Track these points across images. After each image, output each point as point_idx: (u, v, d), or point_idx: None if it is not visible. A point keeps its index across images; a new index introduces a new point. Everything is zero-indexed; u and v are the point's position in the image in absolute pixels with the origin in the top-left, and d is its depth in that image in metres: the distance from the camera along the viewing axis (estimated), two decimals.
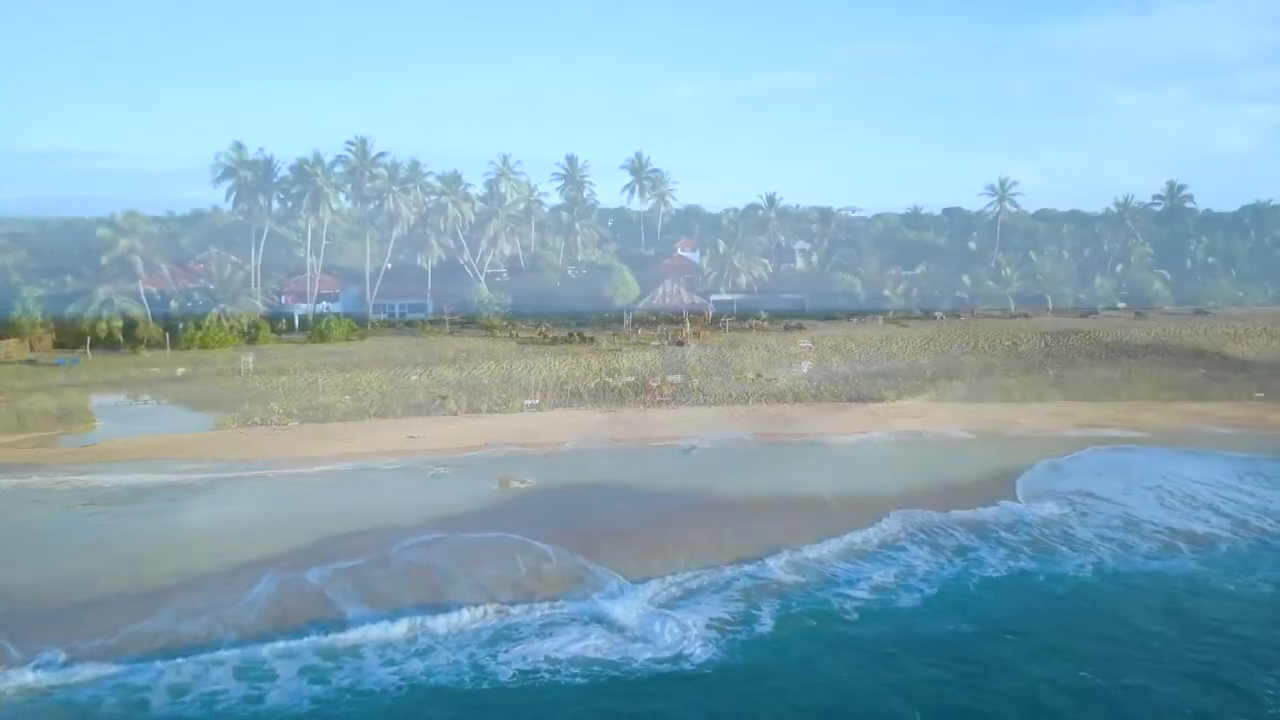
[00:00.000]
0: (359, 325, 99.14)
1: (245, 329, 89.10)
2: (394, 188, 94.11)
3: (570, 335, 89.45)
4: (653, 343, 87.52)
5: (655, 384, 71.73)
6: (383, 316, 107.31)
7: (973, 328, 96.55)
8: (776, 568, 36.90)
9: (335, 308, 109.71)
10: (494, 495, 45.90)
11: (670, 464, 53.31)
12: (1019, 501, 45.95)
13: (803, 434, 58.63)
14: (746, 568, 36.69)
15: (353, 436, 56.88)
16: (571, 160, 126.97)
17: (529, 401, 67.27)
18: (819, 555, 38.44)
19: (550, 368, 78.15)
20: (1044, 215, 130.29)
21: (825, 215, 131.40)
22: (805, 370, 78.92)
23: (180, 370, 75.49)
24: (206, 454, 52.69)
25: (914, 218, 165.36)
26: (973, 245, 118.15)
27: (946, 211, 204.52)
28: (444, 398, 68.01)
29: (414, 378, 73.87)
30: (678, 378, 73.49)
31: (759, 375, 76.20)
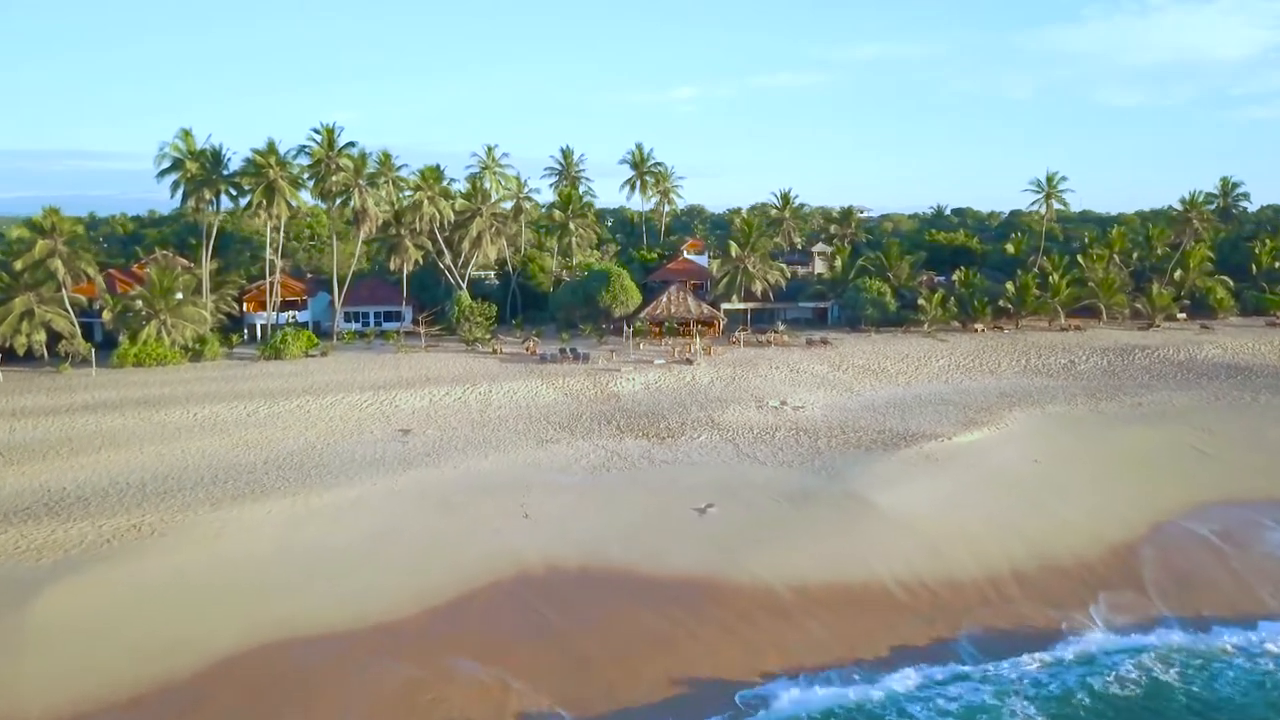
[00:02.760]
0: (321, 338, 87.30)
1: (189, 343, 77.22)
2: (360, 182, 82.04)
3: (562, 351, 77.56)
4: (657, 360, 75.57)
5: (664, 426, 59.85)
6: (354, 326, 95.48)
7: (1020, 342, 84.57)
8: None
9: (304, 316, 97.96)
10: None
11: (682, 529, 41.41)
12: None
13: (849, 489, 46.56)
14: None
15: None
16: (566, 153, 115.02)
17: (484, 465, 55.46)
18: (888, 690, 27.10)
19: (535, 393, 66.17)
20: (1086, 217, 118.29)
21: (846, 215, 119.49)
22: (839, 396, 66.94)
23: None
24: None
25: (937, 218, 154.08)
26: (1010, 248, 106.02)
27: (955, 212, 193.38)
28: (407, 431, 56.15)
29: (362, 408, 61.89)
30: (693, 415, 61.61)
31: (783, 403, 64.23)
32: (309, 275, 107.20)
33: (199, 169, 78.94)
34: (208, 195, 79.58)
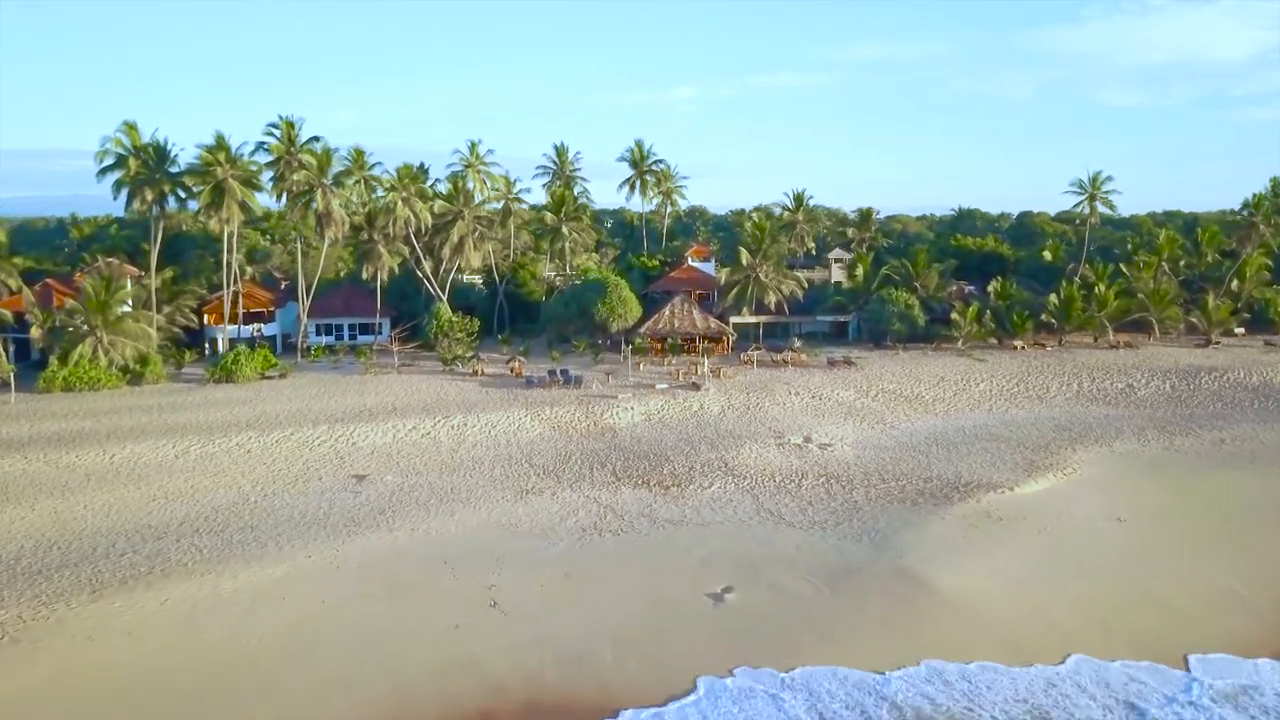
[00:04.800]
0: (290, 353, 78.16)
1: (129, 363, 67.94)
2: (324, 181, 72.72)
3: (551, 374, 68.27)
4: (659, 385, 66.29)
5: (668, 471, 50.68)
6: (326, 340, 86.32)
7: (1068, 362, 75.27)
8: None
9: (272, 329, 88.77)
10: None
11: (695, 625, 32.15)
12: None
13: (902, 565, 37.25)
14: None
15: None
16: (560, 150, 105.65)
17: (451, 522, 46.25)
18: None
19: (517, 427, 56.88)
20: (1125, 224, 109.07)
21: (864, 217, 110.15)
22: (871, 430, 57.68)
23: None
24: None
25: (959, 221, 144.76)
26: (1047, 254, 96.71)
27: (962, 213, 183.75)
28: (362, 477, 46.85)
29: (313, 447, 52.60)
30: (706, 456, 52.41)
31: (807, 440, 54.97)
32: (284, 284, 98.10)
33: (140, 167, 69.69)
34: (149, 196, 70.21)
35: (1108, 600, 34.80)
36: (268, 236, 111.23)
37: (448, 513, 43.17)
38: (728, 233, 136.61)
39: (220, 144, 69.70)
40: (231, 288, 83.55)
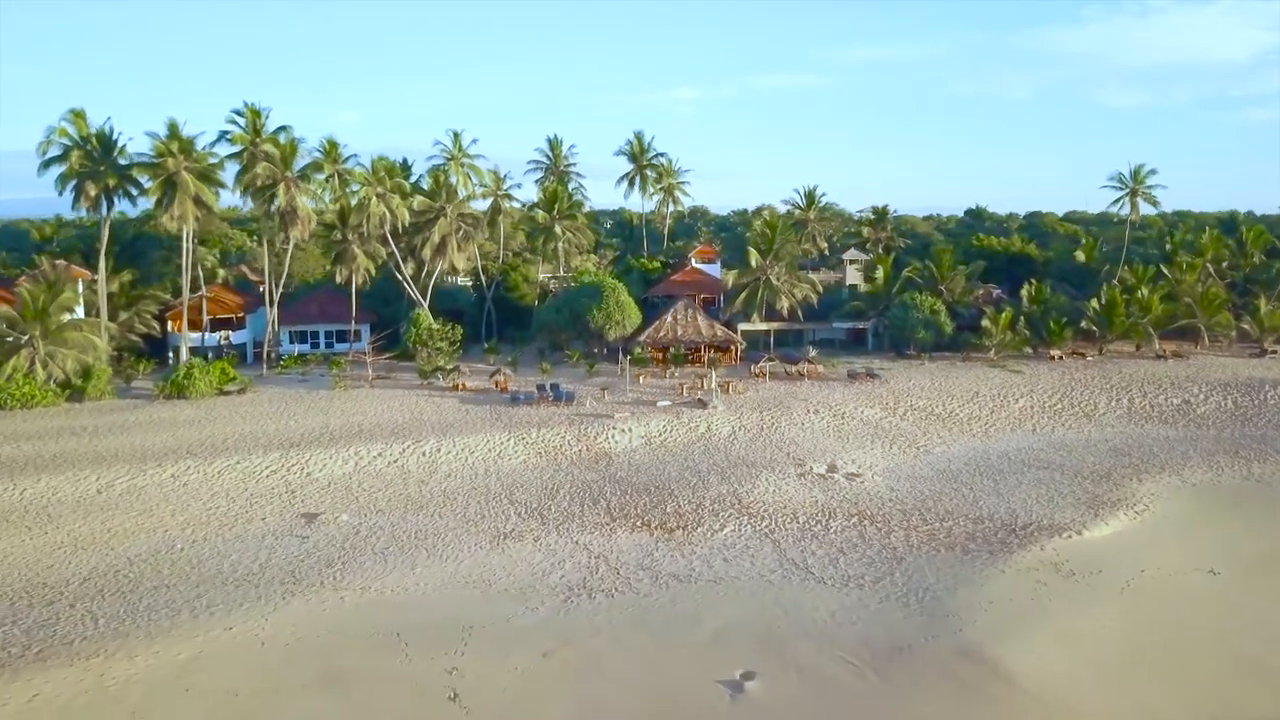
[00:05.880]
0: (244, 368, 70.97)
1: (72, 377, 60.86)
2: (289, 174, 65.53)
3: (540, 389, 61.13)
4: (661, 402, 59.15)
5: (672, 509, 43.58)
6: (300, 349, 79.35)
7: (1112, 374, 68.05)
8: None
9: (241, 336, 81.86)
10: None
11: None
12: None
13: (963, 642, 29.99)
14: None
15: None
16: (554, 144, 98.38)
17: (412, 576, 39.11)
18: None
19: (499, 453, 49.72)
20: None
21: (880, 216, 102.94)
22: (904, 456, 50.49)
23: None
24: None
25: (978, 219, 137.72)
26: (1080, 255, 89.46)
27: (968, 213, 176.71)
28: (313, 517, 39.66)
29: (261, 479, 45.40)
30: (719, 489, 45.24)
31: (832, 469, 47.79)
32: (261, 287, 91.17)
33: (83, 159, 62.54)
34: (92, 191, 63.05)
35: (1215, 680, 27.76)
36: (255, 237, 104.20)
37: (408, 564, 36.00)
38: (730, 233, 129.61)
39: (174, 133, 62.62)
40: (197, 292, 76.81)
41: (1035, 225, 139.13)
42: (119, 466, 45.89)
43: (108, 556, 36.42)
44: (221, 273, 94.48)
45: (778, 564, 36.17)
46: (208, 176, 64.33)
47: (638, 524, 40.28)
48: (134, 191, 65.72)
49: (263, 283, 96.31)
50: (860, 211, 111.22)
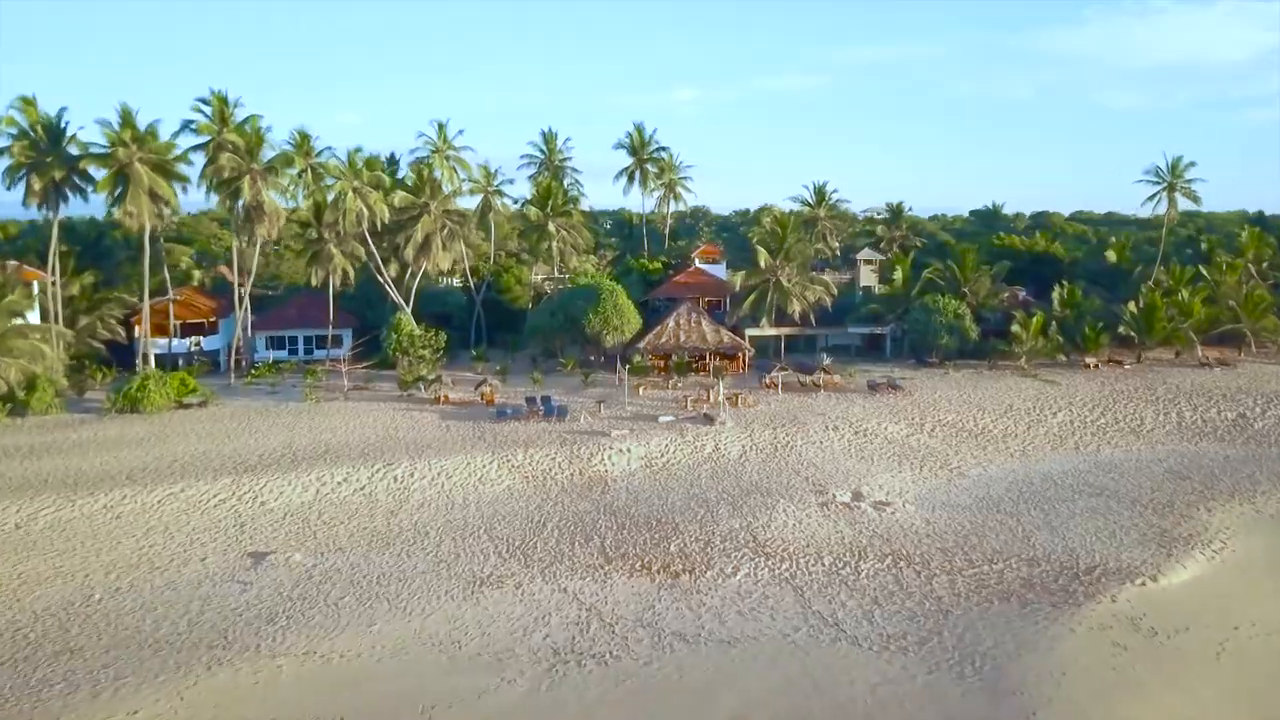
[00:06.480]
0: (212, 378, 65.30)
1: (13, 389, 55.24)
2: (254, 166, 59.85)
3: (530, 402, 55.50)
4: (663, 417, 53.53)
5: (677, 547, 37.94)
6: (276, 356, 73.80)
7: (1155, 384, 62.42)
8: None
9: (214, 343, 76.27)
10: None
11: None
12: None
13: None
14: None
15: None
16: (549, 137, 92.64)
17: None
18: None
19: (480, 478, 44.06)
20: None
21: (895, 213, 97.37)
22: (937, 480, 44.79)
23: None
24: None
25: (994, 218, 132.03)
26: (1111, 255, 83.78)
27: (974, 214, 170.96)
28: (262, 556, 33.94)
29: (207, 509, 39.70)
30: (730, 525, 39.57)
31: (858, 496, 42.13)
32: (242, 288, 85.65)
33: (27, 149, 56.91)
34: (37, 185, 57.43)
35: None
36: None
37: (365, 620, 30.33)
38: (732, 233, 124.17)
39: (126, 120, 56.86)
40: (164, 296, 71.27)
41: (1043, 225, 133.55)
42: (46, 495, 40.31)
43: (9, 611, 30.76)
44: (198, 274, 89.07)
45: (802, 618, 30.48)
46: (166, 169, 58.59)
47: (637, 566, 34.62)
48: (86, 186, 59.97)
49: (242, 284, 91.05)
50: (864, 211, 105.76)
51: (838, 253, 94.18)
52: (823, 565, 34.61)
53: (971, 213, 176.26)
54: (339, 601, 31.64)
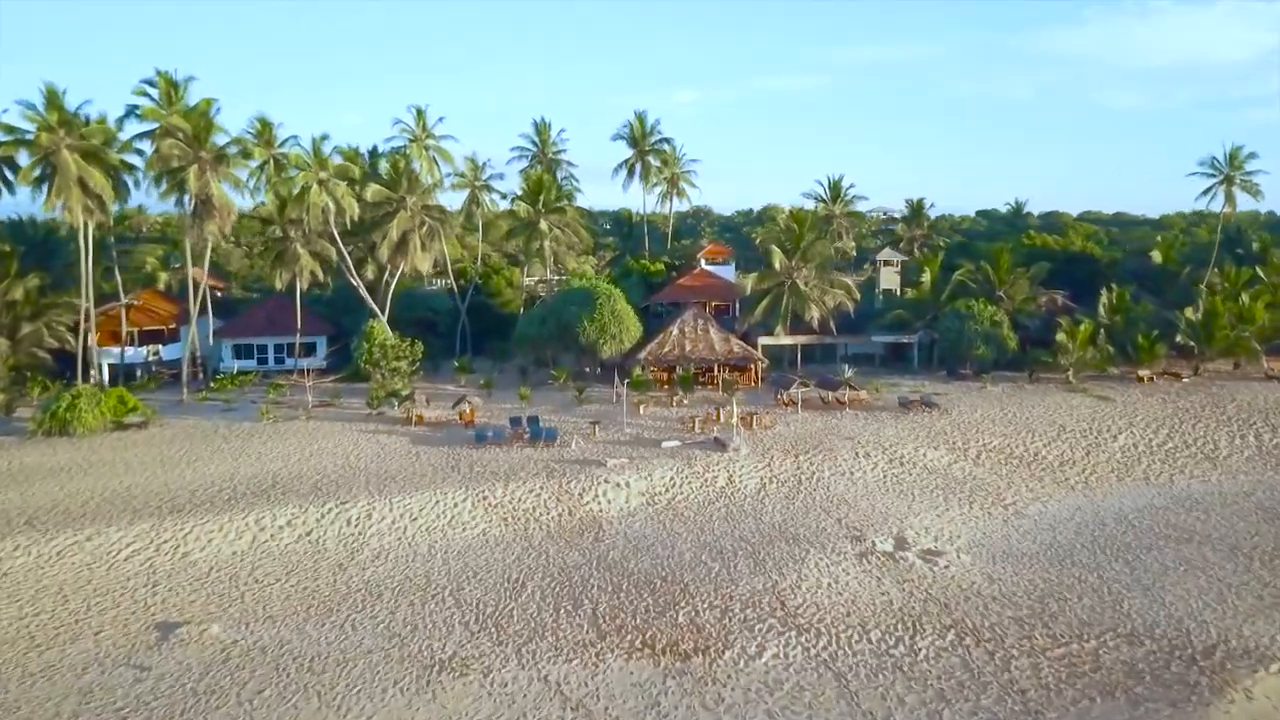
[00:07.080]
0: (141, 397, 58.24)
1: None
2: (201, 155, 52.88)
3: (515, 423, 48.53)
4: (667, 442, 46.53)
5: (686, 615, 30.93)
6: (241, 365, 67.10)
7: (1223, 400, 55.42)
8: None
9: (173, 351, 69.50)
10: None
11: None
12: None
13: None
14: None
15: None
16: (542, 127, 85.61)
17: None
18: None
19: (450, 519, 37.07)
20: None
21: (915, 211, 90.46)
22: (992, 520, 37.76)
23: None
24: None
25: (1016, 217, 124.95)
26: (1156, 255, 76.76)
27: (980, 214, 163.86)
28: (173, 629, 26.97)
29: (115, 565, 32.69)
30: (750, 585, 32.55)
31: (902, 542, 35.11)
32: (219, 293, 79.01)
33: None
34: None
35: None
36: (231, 238, 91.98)
37: None
38: (734, 234, 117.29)
39: (52, 102, 49.87)
40: (116, 302, 64.70)
41: (1053, 225, 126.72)
42: None
43: None
44: (164, 275, 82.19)
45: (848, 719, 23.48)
46: (100, 157, 51.58)
47: (637, 644, 27.59)
48: (13, 176, 53.07)
49: (222, 287, 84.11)
50: (870, 211, 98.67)
51: (853, 254, 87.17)
52: (869, 642, 27.59)
53: (978, 212, 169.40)
54: (253, 699, 24.63)
